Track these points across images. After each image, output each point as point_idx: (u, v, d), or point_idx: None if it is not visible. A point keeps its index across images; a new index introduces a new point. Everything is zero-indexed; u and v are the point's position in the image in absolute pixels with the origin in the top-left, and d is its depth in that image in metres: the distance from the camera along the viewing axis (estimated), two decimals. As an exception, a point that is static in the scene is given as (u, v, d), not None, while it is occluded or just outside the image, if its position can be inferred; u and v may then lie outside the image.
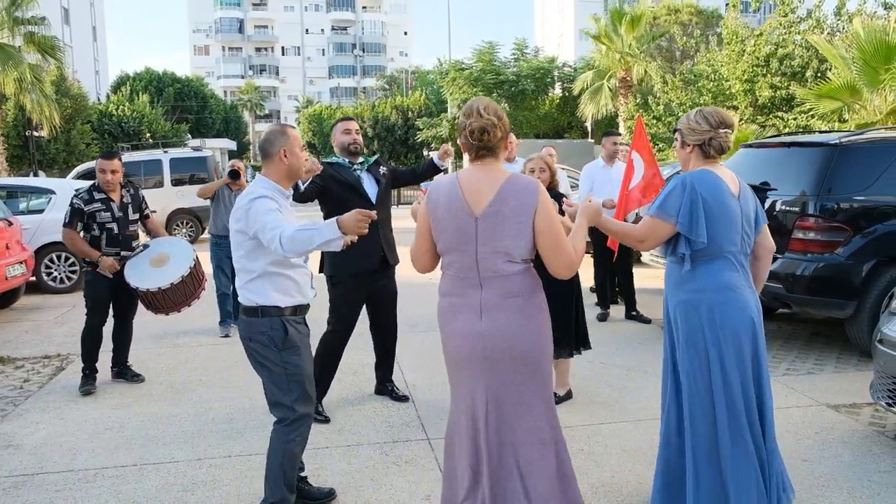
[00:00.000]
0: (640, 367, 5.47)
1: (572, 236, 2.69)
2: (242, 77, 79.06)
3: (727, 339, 2.89)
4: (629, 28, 23.17)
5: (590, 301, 7.63)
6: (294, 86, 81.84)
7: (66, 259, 9.48)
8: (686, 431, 3.03)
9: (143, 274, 5.04)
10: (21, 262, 8.10)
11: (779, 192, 5.70)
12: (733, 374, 2.89)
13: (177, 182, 15.38)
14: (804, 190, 5.51)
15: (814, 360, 5.61)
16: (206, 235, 7.06)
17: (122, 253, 5.16)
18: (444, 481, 2.85)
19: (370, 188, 4.53)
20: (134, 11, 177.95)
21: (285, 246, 2.84)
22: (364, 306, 4.65)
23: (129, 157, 15.91)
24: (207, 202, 7.04)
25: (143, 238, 5.48)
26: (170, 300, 5.07)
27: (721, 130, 2.97)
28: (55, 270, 9.52)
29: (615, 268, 7.10)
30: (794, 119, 15.10)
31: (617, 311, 7.28)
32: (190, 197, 13.35)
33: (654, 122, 19.48)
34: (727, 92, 17.30)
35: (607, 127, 23.94)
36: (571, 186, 10.57)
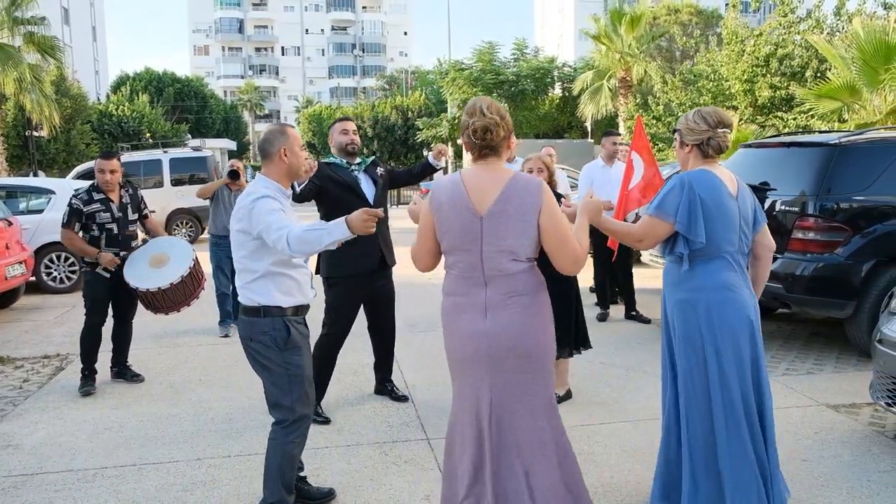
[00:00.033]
0: (639, 367, 5.47)
1: (575, 233, 2.69)
2: (242, 77, 79.08)
3: (725, 338, 2.89)
4: (629, 28, 23.17)
5: (590, 301, 7.64)
6: (294, 86, 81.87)
7: (66, 259, 9.48)
8: (682, 432, 3.03)
9: (142, 274, 5.04)
10: (21, 262, 8.10)
11: (778, 192, 5.70)
12: (731, 375, 2.89)
13: (176, 182, 15.39)
14: (804, 190, 5.51)
15: (813, 360, 5.61)
16: (205, 235, 7.08)
17: (122, 253, 5.15)
18: (444, 481, 2.84)
19: (367, 189, 4.52)
20: (134, 11, 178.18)
21: (293, 246, 2.84)
22: (362, 308, 4.64)
23: (129, 157, 15.92)
24: (207, 202, 7.03)
25: (141, 238, 5.47)
26: (170, 300, 5.07)
27: (719, 130, 2.98)
28: (55, 270, 9.53)
29: (615, 268, 7.10)
30: (794, 119, 15.10)
31: (617, 311, 7.28)
32: (190, 197, 13.35)
33: (654, 122, 19.48)
34: (727, 92, 17.30)
35: (607, 127, 23.94)
36: (571, 186, 10.58)
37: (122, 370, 5.42)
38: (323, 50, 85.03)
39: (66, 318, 7.75)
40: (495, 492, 2.63)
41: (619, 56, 23.58)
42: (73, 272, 9.52)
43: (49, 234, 9.13)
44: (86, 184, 5.38)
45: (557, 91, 31.15)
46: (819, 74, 14.71)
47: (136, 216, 5.33)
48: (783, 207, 5.64)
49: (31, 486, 3.65)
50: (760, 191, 5.74)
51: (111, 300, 5.24)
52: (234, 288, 4.36)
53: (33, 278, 9.00)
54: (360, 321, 4.73)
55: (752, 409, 2.92)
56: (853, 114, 11.57)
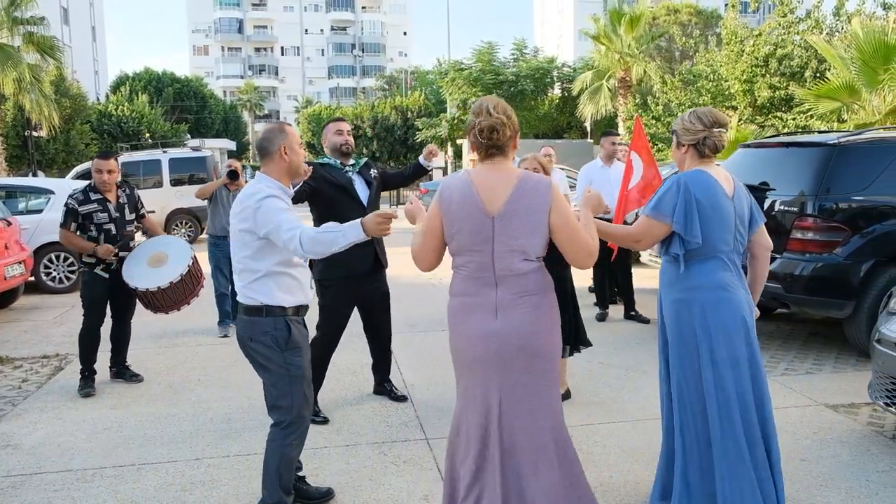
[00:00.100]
0: (638, 367, 5.47)
1: (583, 228, 2.71)
2: (242, 77, 79.06)
3: (719, 338, 2.91)
4: (628, 28, 23.18)
5: (589, 301, 7.64)
6: (293, 86, 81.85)
7: (65, 259, 9.47)
8: (675, 431, 3.05)
9: (141, 274, 5.04)
10: (20, 262, 8.10)
11: (777, 192, 5.70)
12: (727, 376, 2.90)
13: (176, 182, 15.39)
14: (803, 190, 5.51)
15: (812, 360, 5.61)
16: (205, 236, 7.08)
17: (120, 253, 5.15)
18: (445, 484, 2.83)
19: (361, 190, 4.49)
20: (133, 11, 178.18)
21: (306, 246, 2.83)
22: (357, 310, 4.63)
23: (129, 157, 15.94)
24: (205, 203, 7.03)
25: (139, 238, 5.47)
26: (170, 299, 5.06)
27: (715, 130, 3.00)
28: (54, 270, 9.52)
29: (614, 268, 7.10)
30: (793, 119, 15.11)
31: (616, 311, 7.28)
32: (189, 197, 13.34)
33: (654, 122, 19.49)
34: (726, 92, 17.31)
35: (606, 127, 23.96)
36: (570, 187, 10.59)
37: (121, 370, 5.42)
38: (322, 50, 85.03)
39: (65, 318, 7.75)
40: (497, 492, 2.62)
41: (619, 56, 23.59)
42: (72, 272, 9.51)
43: (48, 234, 9.13)
44: (84, 184, 5.37)
45: (557, 91, 31.15)
46: (818, 75, 14.72)
47: (133, 216, 5.32)
48: (782, 207, 5.65)
49: (29, 486, 3.65)
50: (760, 191, 5.75)
51: (110, 300, 5.24)
52: (234, 288, 4.35)
53: (32, 278, 9.01)
54: (359, 321, 4.74)
55: (750, 409, 2.92)
56: (852, 114, 11.58)
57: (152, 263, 5.10)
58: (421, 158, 4.88)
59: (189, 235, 15.07)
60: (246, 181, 4.82)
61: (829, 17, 15.51)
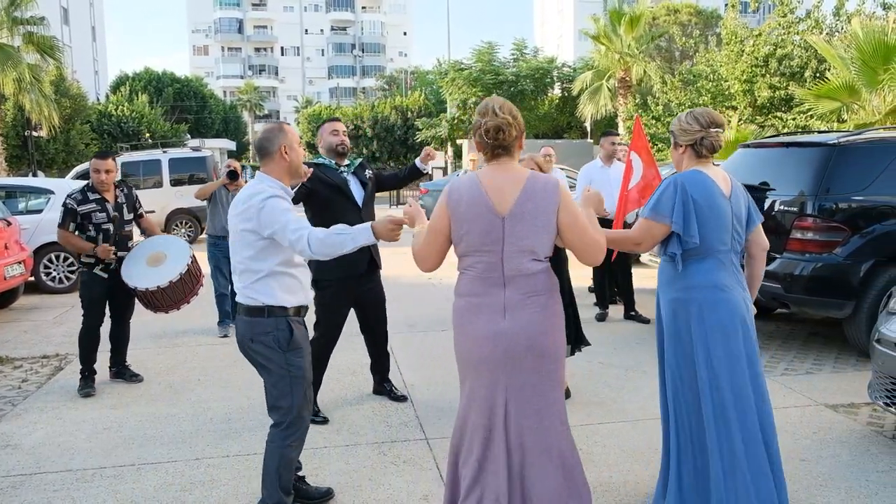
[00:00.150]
0: (638, 367, 5.47)
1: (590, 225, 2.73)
2: (242, 77, 79.04)
3: (716, 338, 2.92)
4: (628, 28, 23.18)
5: (589, 301, 7.65)
6: (293, 86, 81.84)
7: (65, 259, 9.47)
8: (671, 429, 3.07)
9: (140, 273, 5.04)
10: (20, 262, 8.09)
11: (777, 192, 5.70)
12: (723, 376, 2.90)
13: (176, 182, 15.38)
14: (802, 190, 5.51)
15: (812, 360, 5.61)
16: (205, 236, 7.07)
17: (119, 253, 5.15)
18: (447, 486, 2.82)
19: (356, 190, 4.48)
20: (133, 11, 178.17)
21: (314, 247, 2.82)
22: (353, 310, 4.62)
23: (129, 157, 15.94)
24: (205, 203, 7.02)
25: (137, 238, 5.46)
26: (169, 298, 5.06)
27: (712, 130, 3.02)
28: (54, 270, 9.52)
29: (614, 268, 7.10)
30: (793, 119, 15.12)
31: (616, 310, 7.28)
32: (189, 197, 13.35)
33: (653, 122, 19.50)
34: (726, 92, 17.32)
35: (606, 127, 23.97)
36: (570, 187, 10.59)
37: (120, 370, 5.42)
38: (322, 50, 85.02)
39: (65, 318, 7.75)
40: (499, 492, 2.62)
41: (619, 56, 23.59)
42: (71, 272, 9.51)
43: (48, 234, 9.11)
44: (82, 184, 5.37)
45: (557, 91, 31.15)
46: (818, 75, 14.73)
47: (131, 216, 5.32)
48: (782, 207, 5.65)
49: (29, 486, 3.65)
50: (760, 191, 5.75)
51: (109, 300, 5.23)
52: (233, 288, 4.34)
53: (32, 278, 9.01)
54: (354, 322, 4.73)
55: (749, 409, 2.91)
56: (852, 114, 11.58)
57: (151, 263, 5.10)
58: (417, 161, 4.86)
59: (189, 235, 15.07)
60: (246, 181, 4.82)
61: (829, 17, 15.52)
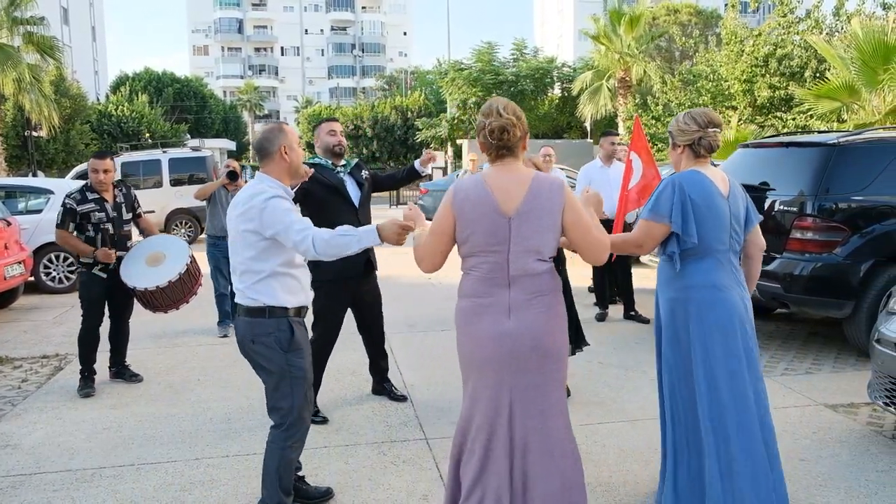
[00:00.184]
0: (637, 367, 5.47)
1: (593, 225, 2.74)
2: (242, 77, 79.04)
3: (714, 338, 2.93)
4: (628, 28, 23.19)
5: (589, 301, 7.65)
6: (293, 86, 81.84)
7: (65, 259, 9.47)
8: (667, 428, 3.07)
9: (140, 273, 5.03)
10: (19, 262, 8.09)
11: (777, 192, 5.70)
12: (720, 376, 2.91)
13: (176, 182, 15.38)
14: (802, 190, 5.51)
15: (812, 360, 5.61)
16: (204, 236, 7.08)
17: (118, 253, 5.14)
18: (448, 485, 2.82)
19: (353, 191, 4.46)
20: (133, 11, 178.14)
21: (318, 248, 2.82)
22: (350, 310, 4.61)
23: (129, 157, 15.93)
24: (204, 203, 7.01)
25: (136, 238, 5.45)
26: (168, 298, 5.06)
27: (709, 130, 3.04)
28: (54, 270, 9.52)
29: (614, 267, 7.10)
30: (793, 119, 15.12)
31: (615, 310, 7.28)
32: (189, 197, 13.35)
33: (653, 122, 19.51)
34: (726, 92, 17.32)
35: (606, 127, 23.98)
36: (570, 187, 10.57)
37: (120, 370, 5.41)
38: (322, 50, 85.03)
39: (65, 318, 7.75)
40: (501, 493, 2.62)
41: (619, 56, 23.60)
42: (71, 272, 9.51)
43: (48, 234, 9.10)
44: (80, 184, 5.36)
45: (557, 91, 31.17)
46: (818, 74, 14.73)
47: (130, 216, 5.31)
48: (782, 207, 5.65)
49: (29, 486, 3.65)
50: (760, 191, 5.75)
51: (108, 300, 5.23)
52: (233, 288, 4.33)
53: (32, 278, 9.00)
54: (352, 323, 4.73)
55: (747, 408, 2.91)
56: (852, 114, 11.58)
57: (150, 263, 5.10)
58: (417, 163, 4.84)
59: (189, 235, 15.06)
60: (245, 181, 4.82)
61: (829, 17, 15.52)
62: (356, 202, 4.45)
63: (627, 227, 6.64)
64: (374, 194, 4.80)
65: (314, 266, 4.26)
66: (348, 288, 4.47)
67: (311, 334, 4.43)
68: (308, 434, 3.19)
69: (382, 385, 4.89)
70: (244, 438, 4.22)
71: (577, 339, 4.69)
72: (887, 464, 3.71)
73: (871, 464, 3.71)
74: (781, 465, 3.01)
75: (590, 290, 8.00)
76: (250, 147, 57.01)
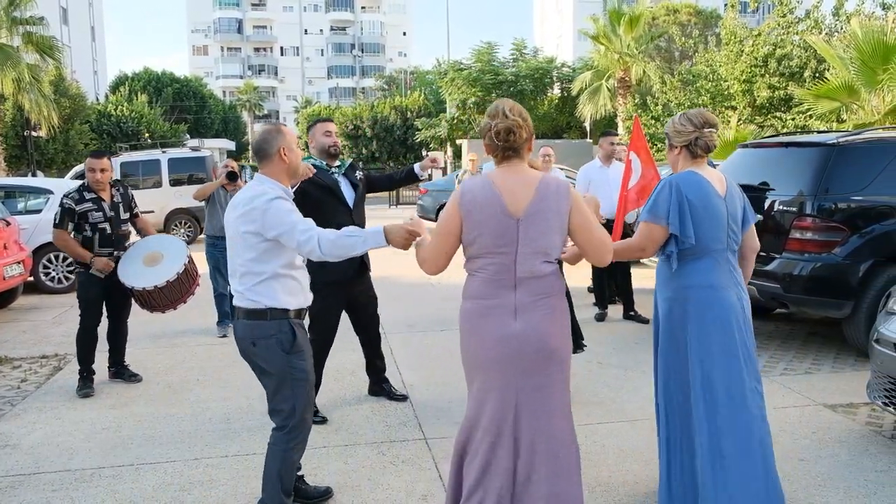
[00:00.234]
0: (637, 367, 5.47)
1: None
2: (241, 77, 79.05)
3: (711, 337, 2.94)
4: (628, 28, 23.20)
5: (588, 301, 7.65)
6: (293, 86, 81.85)
7: (64, 259, 9.46)
8: (661, 427, 3.08)
9: (137, 273, 5.03)
10: (19, 262, 8.09)
11: (776, 192, 5.70)
12: (717, 376, 2.92)
13: (175, 182, 15.36)
14: (801, 190, 5.51)
15: (811, 360, 5.61)
16: (203, 236, 7.08)
17: (116, 253, 5.14)
18: (449, 486, 2.81)
19: (347, 192, 4.43)
20: (133, 11, 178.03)
21: (324, 249, 2.81)
22: (346, 312, 4.59)
23: (128, 157, 15.92)
24: (203, 203, 7.00)
25: (133, 238, 5.44)
26: (166, 298, 5.06)
27: (706, 130, 3.06)
28: (53, 270, 9.52)
29: (614, 268, 7.10)
30: (793, 119, 15.13)
31: (615, 310, 7.28)
32: (188, 197, 13.34)
33: (653, 122, 19.51)
34: (725, 92, 17.33)
35: (606, 127, 23.98)
36: (569, 186, 10.58)
37: (119, 370, 5.41)
38: (322, 50, 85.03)
39: (64, 318, 7.75)
40: (501, 493, 2.62)
41: (618, 56, 23.61)
42: (70, 272, 9.50)
43: (47, 234, 9.07)
44: (77, 184, 5.35)
45: (556, 91, 31.19)
46: (817, 75, 14.75)
47: (127, 215, 5.30)
48: (781, 207, 5.65)
49: (28, 486, 3.65)
50: (760, 191, 5.74)
51: (105, 300, 5.22)
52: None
53: (31, 278, 9.00)
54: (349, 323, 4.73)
55: (742, 408, 2.92)
56: (851, 114, 11.59)
57: (148, 262, 5.09)
58: (417, 166, 4.79)
59: (188, 235, 15.05)
60: (245, 181, 4.81)
61: (829, 17, 15.53)
62: (351, 203, 4.42)
63: (627, 227, 6.64)
64: (372, 194, 4.79)
65: (309, 268, 4.25)
66: (343, 289, 4.45)
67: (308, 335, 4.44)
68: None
69: (380, 385, 4.88)
70: (243, 438, 4.21)
71: (576, 340, 4.70)
72: (886, 464, 3.71)
73: (870, 464, 3.72)
74: (776, 465, 3.00)
75: (589, 290, 8.00)
76: (249, 147, 57.06)
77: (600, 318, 7.08)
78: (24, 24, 19.90)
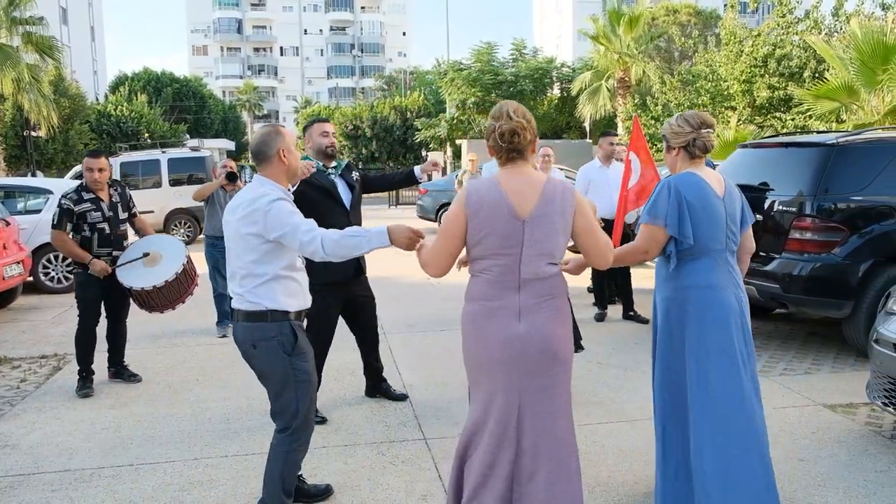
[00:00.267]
0: (637, 367, 5.47)
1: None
2: (241, 77, 79.05)
3: (708, 337, 2.94)
4: (627, 28, 23.22)
5: (588, 301, 7.65)
6: (293, 86, 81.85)
7: (64, 259, 9.46)
8: (658, 426, 3.09)
9: (136, 273, 5.02)
10: (18, 262, 8.09)
11: (776, 193, 5.70)
12: (714, 376, 2.92)
13: (175, 182, 15.36)
14: (801, 190, 5.51)
15: (811, 360, 5.61)
16: (203, 236, 7.08)
17: (114, 253, 5.14)
18: (450, 487, 2.80)
19: (344, 193, 4.41)
20: (132, 11, 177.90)
21: (328, 249, 2.80)
22: (342, 314, 4.58)
23: (128, 157, 15.92)
24: (202, 203, 6.99)
25: (132, 237, 5.43)
26: (165, 298, 5.06)
27: (703, 131, 3.07)
28: (52, 270, 9.52)
29: (613, 268, 7.09)
30: (792, 119, 15.14)
31: (615, 310, 7.28)
32: (188, 197, 13.34)
33: (652, 122, 19.51)
34: (725, 92, 17.33)
35: (606, 127, 24.00)
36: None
37: (119, 370, 5.41)
38: (322, 50, 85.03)
39: (64, 318, 7.74)
40: (502, 495, 2.62)
41: (618, 56, 23.63)
42: (70, 272, 9.49)
43: (46, 234, 8.97)
44: (75, 184, 5.33)
45: (556, 91, 31.20)
46: (817, 75, 14.75)
47: (126, 215, 5.29)
48: (781, 207, 5.65)
49: (27, 486, 3.65)
50: (760, 191, 5.75)
51: (104, 300, 5.21)
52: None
53: (31, 278, 9.00)
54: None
55: (739, 408, 2.92)
56: (851, 114, 11.59)
57: (147, 263, 5.09)
58: (417, 169, 4.76)
59: (188, 236, 15.05)
60: (245, 182, 4.81)
61: (828, 18, 15.54)
62: (347, 205, 4.40)
63: (626, 227, 6.64)
64: (371, 195, 4.78)
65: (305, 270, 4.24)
66: (342, 290, 4.44)
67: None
68: (307, 434, 3.19)
69: (378, 386, 4.87)
70: (243, 438, 4.21)
71: (575, 340, 4.69)
72: (886, 464, 3.71)
73: (869, 464, 3.72)
74: (774, 465, 3.01)
75: (589, 290, 8.00)
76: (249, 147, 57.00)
77: (600, 318, 7.09)
78: (24, 24, 19.91)
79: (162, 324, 6.95)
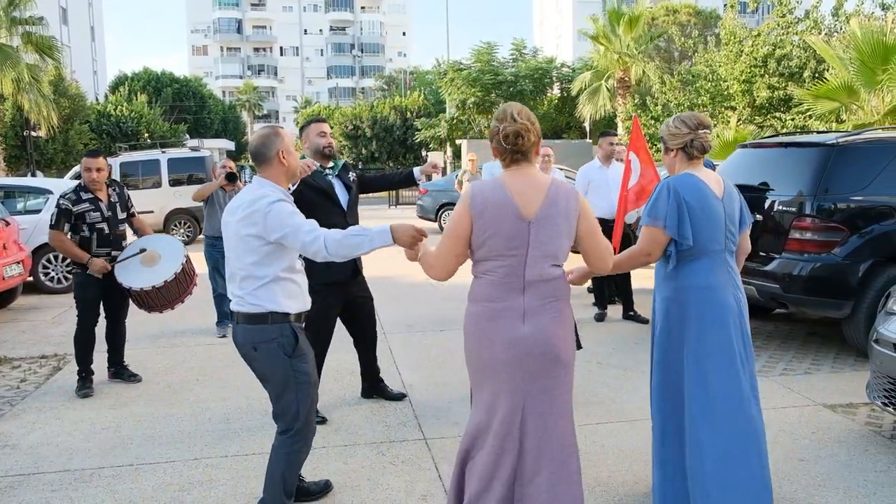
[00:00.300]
0: (637, 368, 5.47)
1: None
2: (241, 77, 79.05)
3: (707, 337, 2.95)
4: (627, 28, 23.22)
5: (587, 301, 7.65)
6: (292, 86, 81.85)
7: (63, 259, 9.45)
8: (656, 425, 3.09)
9: (135, 273, 5.02)
10: (18, 262, 8.09)
11: (776, 193, 5.70)
12: (713, 376, 2.93)
13: (175, 182, 15.36)
14: (801, 190, 5.51)
15: (811, 360, 5.61)
16: (202, 236, 7.08)
17: (113, 253, 5.13)
18: (451, 489, 2.80)
19: (341, 194, 4.40)
20: (132, 11, 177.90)
21: (330, 249, 2.80)
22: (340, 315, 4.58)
23: (128, 157, 15.92)
24: (202, 203, 6.98)
25: (130, 237, 5.43)
26: (164, 298, 5.06)
27: (700, 131, 3.09)
28: (52, 270, 9.52)
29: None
30: (792, 119, 15.14)
31: (614, 311, 7.28)
32: (188, 197, 13.34)
33: (652, 122, 19.51)
34: (725, 92, 17.33)
35: (605, 127, 24.00)
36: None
37: (119, 370, 5.40)
38: (321, 50, 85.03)
39: (64, 318, 7.74)
40: (503, 497, 2.62)
41: (618, 56, 23.63)
42: (70, 272, 9.49)
43: (46, 235, 9.08)
44: (73, 184, 5.33)
45: (556, 91, 31.21)
46: (817, 75, 14.75)
47: (125, 215, 5.28)
48: (781, 207, 5.65)
49: (27, 486, 3.65)
50: (760, 191, 5.74)
51: (103, 300, 5.21)
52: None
53: (31, 278, 9.00)
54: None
55: (737, 409, 2.92)
56: (851, 114, 11.60)
57: (145, 263, 5.09)
58: (416, 171, 4.74)
59: (188, 236, 15.06)
60: (244, 182, 4.81)
61: (828, 18, 15.54)
62: (345, 205, 4.39)
63: (626, 228, 6.64)
64: (372, 195, 4.77)
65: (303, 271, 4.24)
66: (341, 291, 4.44)
67: None
68: (308, 435, 3.19)
69: (376, 386, 4.86)
70: (243, 438, 4.21)
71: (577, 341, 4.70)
72: (885, 464, 3.71)
73: (869, 464, 3.72)
74: (773, 466, 3.01)
75: (589, 290, 8.00)
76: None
77: (600, 318, 7.09)
78: (24, 24, 19.92)
79: (162, 324, 6.95)
